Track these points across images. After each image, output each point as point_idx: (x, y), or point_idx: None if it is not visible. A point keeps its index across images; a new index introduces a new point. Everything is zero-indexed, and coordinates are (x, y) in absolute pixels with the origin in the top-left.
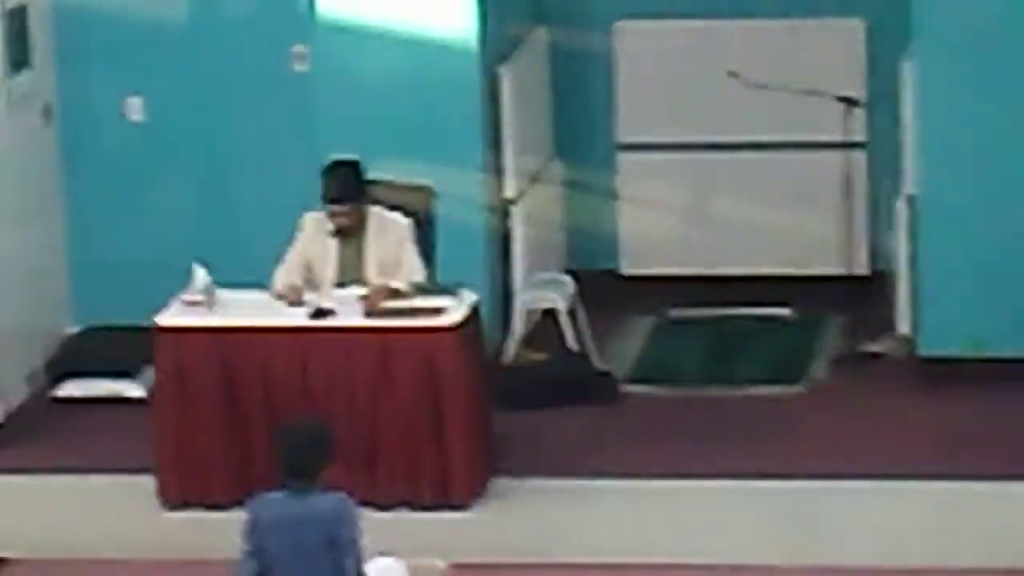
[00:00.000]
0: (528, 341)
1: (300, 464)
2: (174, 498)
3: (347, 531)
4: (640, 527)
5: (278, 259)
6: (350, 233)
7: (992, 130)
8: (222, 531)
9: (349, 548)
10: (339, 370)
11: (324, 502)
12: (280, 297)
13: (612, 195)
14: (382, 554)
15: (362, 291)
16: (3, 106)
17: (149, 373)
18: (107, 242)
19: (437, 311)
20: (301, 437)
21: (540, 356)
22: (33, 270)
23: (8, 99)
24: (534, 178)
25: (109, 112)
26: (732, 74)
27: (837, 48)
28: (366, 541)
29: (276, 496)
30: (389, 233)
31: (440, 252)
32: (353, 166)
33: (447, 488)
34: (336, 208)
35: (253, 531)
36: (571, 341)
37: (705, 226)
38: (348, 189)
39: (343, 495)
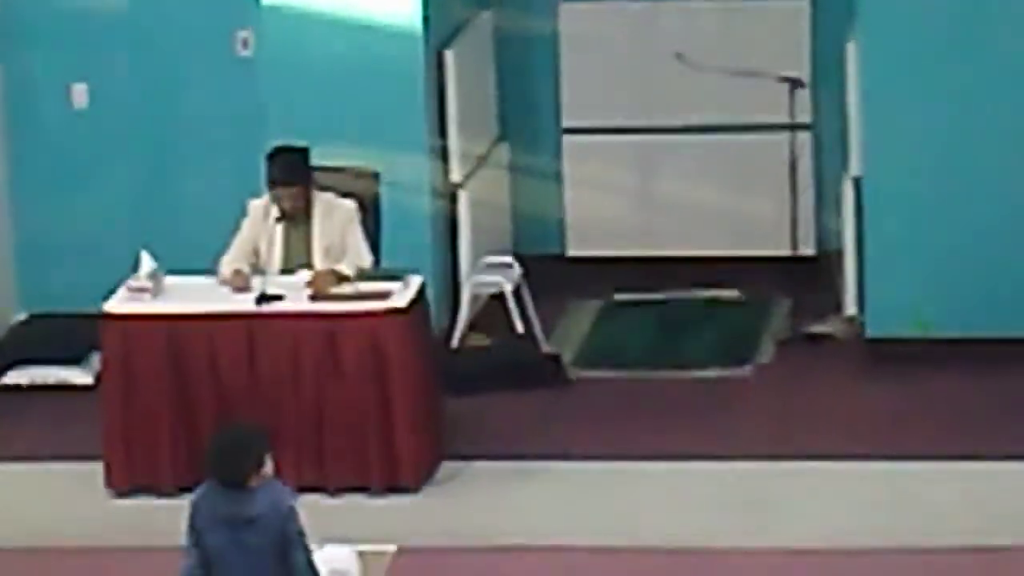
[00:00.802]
0: (475, 325)
1: (226, 471)
2: (122, 485)
3: (291, 526)
4: (588, 510)
5: (224, 246)
6: (296, 218)
7: (936, 111)
8: (170, 518)
9: (296, 542)
10: (286, 355)
11: (262, 499)
12: (226, 283)
13: (558, 178)
14: (330, 542)
15: (308, 276)
16: None
17: (96, 360)
18: (52, 229)
19: (384, 295)
20: (226, 443)
21: (487, 340)
22: None
23: None
24: (480, 162)
25: (53, 98)
26: (679, 56)
27: (782, 29)
28: (313, 528)
29: (214, 490)
30: (335, 218)
31: (386, 237)
32: (298, 151)
33: (396, 472)
34: (281, 191)
35: (192, 526)
36: (518, 325)
37: (651, 208)
38: (293, 172)
39: (280, 489)
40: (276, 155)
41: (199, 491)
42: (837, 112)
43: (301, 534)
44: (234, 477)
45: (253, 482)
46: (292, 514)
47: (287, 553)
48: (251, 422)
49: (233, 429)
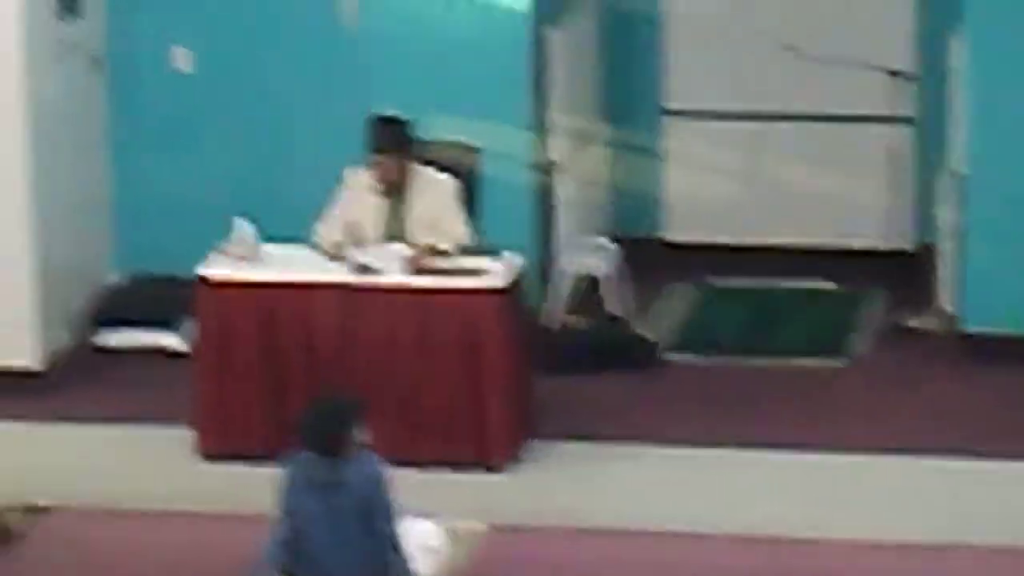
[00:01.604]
0: (570, 306)
1: (320, 439)
2: (212, 450)
3: (380, 496)
4: (676, 495)
5: (322, 214)
6: (393, 189)
7: None
8: (259, 484)
9: (384, 513)
10: (380, 328)
11: (355, 467)
12: (322, 252)
13: (658, 160)
14: (419, 516)
15: (405, 250)
16: (53, 56)
17: (190, 325)
18: (153, 192)
19: (480, 273)
20: (322, 413)
21: (582, 321)
22: (78, 219)
23: (58, 49)
24: (580, 141)
25: (157, 62)
26: (787, 47)
27: (887, 20)
28: (402, 501)
29: (309, 457)
30: (434, 193)
31: (485, 214)
32: (400, 121)
33: (485, 449)
34: (380, 158)
35: (286, 492)
36: (613, 307)
37: (750, 195)
38: (393, 140)
39: (374, 459)
40: (377, 122)
41: (293, 459)
42: (940, 106)
43: (388, 506)
44: (328, 446)
45: (346, 452)
46: (381, 484)
47: (373, 522)
48: (346, 393)
49: (329, 399)
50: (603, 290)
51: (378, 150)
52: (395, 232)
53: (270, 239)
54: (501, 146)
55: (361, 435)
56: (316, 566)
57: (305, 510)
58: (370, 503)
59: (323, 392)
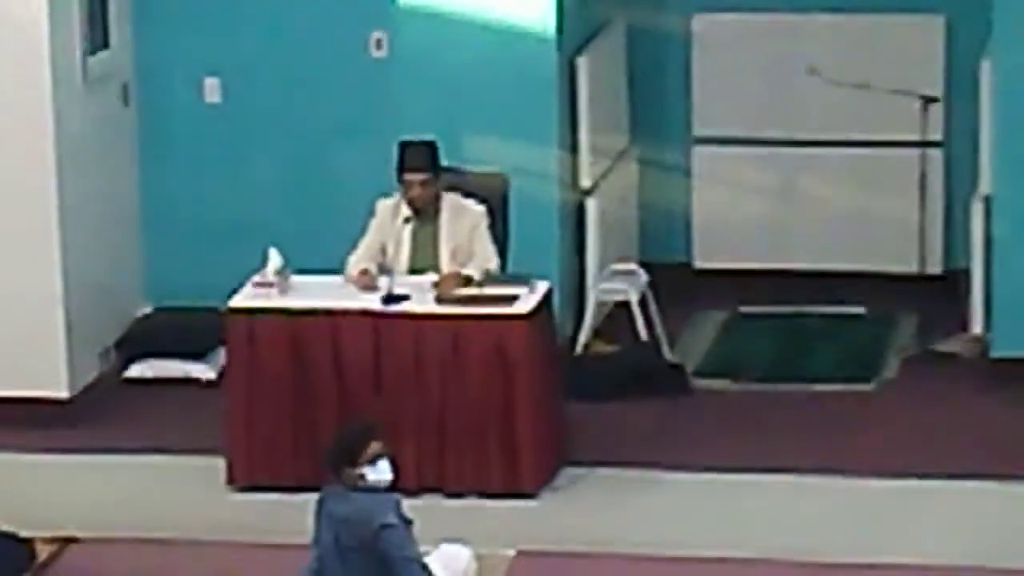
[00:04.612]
0: (600, 332)
1: (325, 464)
2: (242, 480)
3: (386, 546)
4: (707, 520)
5: (352, 245)
6: (423, 218)
7: None
8: (289, 514)
9: (398, 561)
10: (410, 356)
11: (359, 503)
12: (352, 282)
13: (686, 187)
14: (449, 542)
15: (435, 278)
16: (81, 86)
17: (220, 355)
18: (182, 223)
19: (509, 299)
20: (333, 438)
21: (611, 347)
22: (108, 250)
23: (86, 79)
24: (609, 168)
25: (186, 92)
26: (812, 70)
27: (916, 45)
28: (431, 529)
29: (332, 489)
30: (463, 219)
31: (514, 241)
32: (429, 143)
33: (516, 476)
34: (411, 177)
35: (314, 522)
36: (642, 333)
37: (778, 222)
38: (423, 159)
39: (381, 500)
40: (406, 144)
41: (324, 490)
42: (969, 130)
43: (400, 554)
44: (331, 470)
45: (351, 479)
46: (383, 533)
47: (388, 568)
48: (364, 421)
49: (343, 426)
50: (633, 316)
51: (409, 168)
52: (424, 260)
53: (301, 270)
54: (531, 172)
55: (368, 465)
56: None
57: (323, 542)
58: (375, 547)
59: (348, 420)
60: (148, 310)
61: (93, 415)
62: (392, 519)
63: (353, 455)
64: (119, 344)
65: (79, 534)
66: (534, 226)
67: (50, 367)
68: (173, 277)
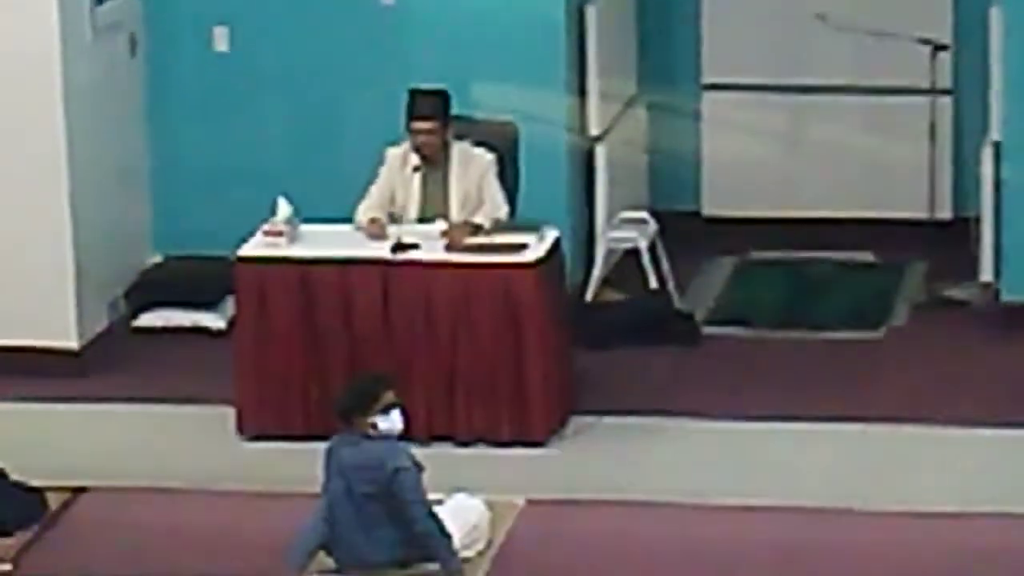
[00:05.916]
0: (609, 280)
1: (337, 412)
2: (252, 429)
3: (400, 489)
4: (716, 468)
5: (362, 193)
6: (433, 167)
7: None
8: (299, 463)
9: (409, 504)
10: (419, 305)
11: (373, 451)
12: (362, 231)
13: (696, 134)
14: (458, 492)
15: (444, 226)
16: (89, 36)
17: (229, 304)
18: (192, 172)
19: (518, 247)
20: (346, 388)
21: (621, 295)
22: (117, 200)
23: (94, 29)
24: (618, 116)
25: (194, 42)
26: (819, 16)
27: None
28: (441, 477)
29: (342, 437)
30: (472, 168)
31: (523, 189)
32: (438, 91)
33: (525, 424)
34: (419, 125)
35: (324, 471)
36: (652, 281)
37: (788, 168)
38: (432, 106)
39: (394, 447)
40: (416, 92)
41: (334, 438)
42: (978, 77)
43: (415, 500)
44: (342, 419)
45: (363, 427)
46: (397, 477)
47: (401, 509)
48: (377, 370)
49: (356, 375)
50: (642, 265)
51: (418, 116)
52: (434, 208)
53: (310, 218)
54: (540, 119)
55: (382, 414)
56: (345, 546)
57: (333, 490)
58: (389, 493)
59: (358, 369)
60: (157, 259)
61: (103, 365)
62: (407, 462)
63: (366, 404)
64: (128, 294)
65: (89, 483)
66: (543, 174)
67: (60, 317)
68: (182, 226)
